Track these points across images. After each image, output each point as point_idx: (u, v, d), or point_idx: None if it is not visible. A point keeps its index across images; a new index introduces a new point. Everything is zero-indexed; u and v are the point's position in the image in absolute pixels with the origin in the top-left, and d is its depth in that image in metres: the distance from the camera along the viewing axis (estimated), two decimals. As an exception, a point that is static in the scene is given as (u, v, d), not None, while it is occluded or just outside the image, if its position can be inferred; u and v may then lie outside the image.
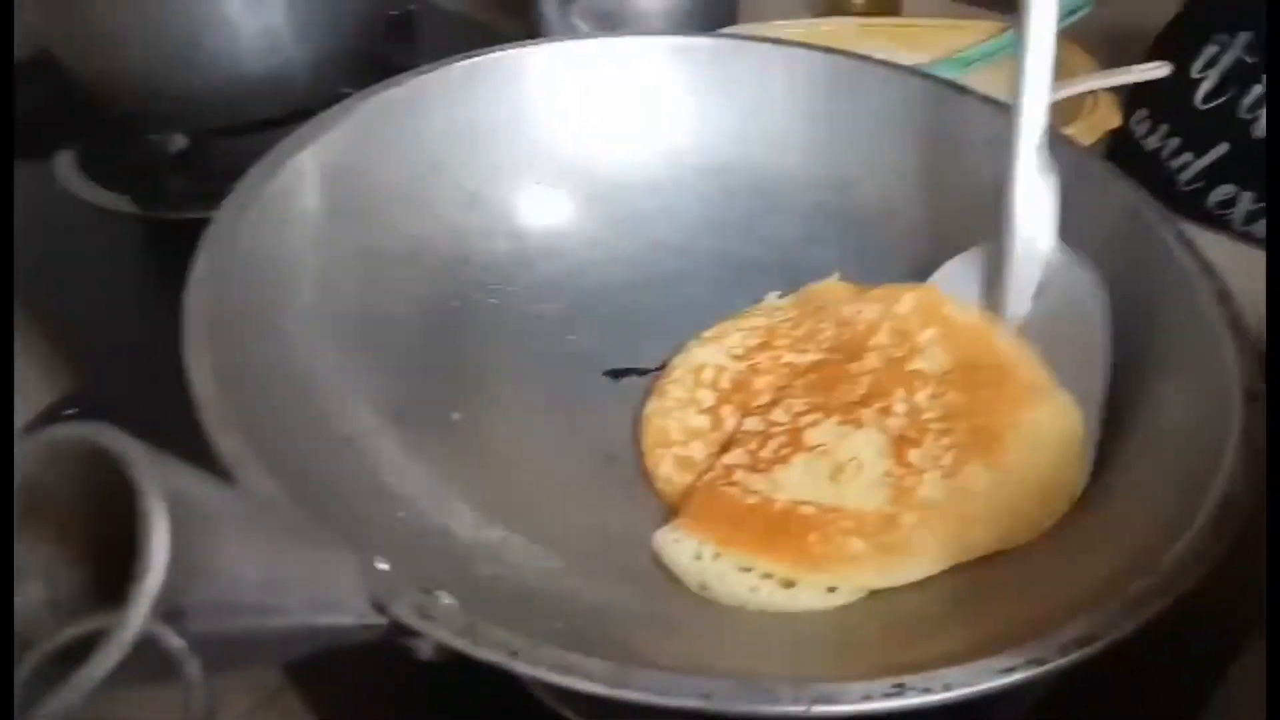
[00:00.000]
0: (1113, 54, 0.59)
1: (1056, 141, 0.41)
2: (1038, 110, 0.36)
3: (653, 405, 0.38)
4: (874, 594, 0.30)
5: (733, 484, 0.34)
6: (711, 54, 0.46)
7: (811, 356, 0.38)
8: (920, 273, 0.42)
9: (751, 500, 0.33)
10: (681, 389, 0.38)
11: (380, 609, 0.21)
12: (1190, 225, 0.36)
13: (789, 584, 0.30)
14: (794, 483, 0.33)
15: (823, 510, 0.32)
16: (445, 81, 0.43)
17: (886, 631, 0.29)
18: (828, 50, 0.46)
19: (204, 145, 0.59)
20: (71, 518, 0.17)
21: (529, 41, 0.46)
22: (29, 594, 0.16)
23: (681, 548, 0.32)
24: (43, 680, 0.15)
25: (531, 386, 0.39)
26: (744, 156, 0.46)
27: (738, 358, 0.39)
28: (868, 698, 0.21)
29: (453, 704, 0.32)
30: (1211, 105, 0.53)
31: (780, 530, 0.31)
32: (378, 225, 0.40)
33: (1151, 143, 0.57)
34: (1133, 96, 0.59)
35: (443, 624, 0.21)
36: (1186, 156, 0.55)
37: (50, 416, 0.44)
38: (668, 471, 0.36)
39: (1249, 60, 0.51)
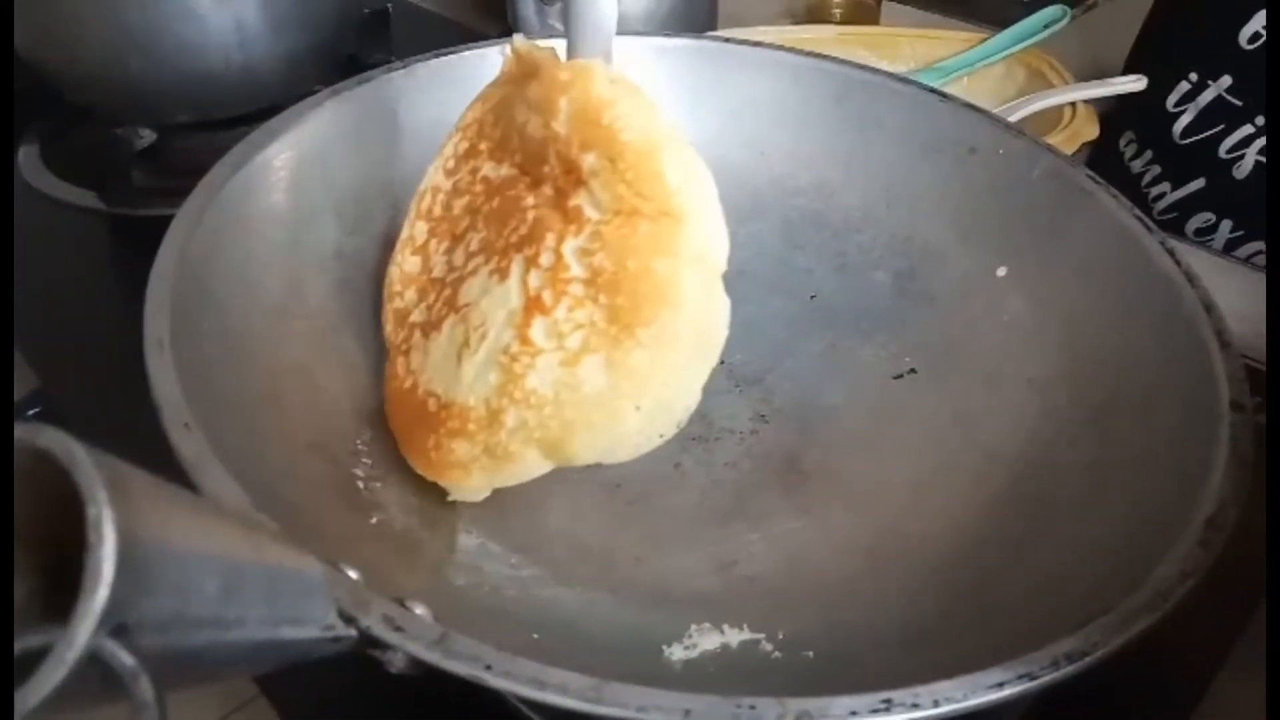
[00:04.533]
0: (1090, 68, 0.59)
1: (1040, 149, 0.41)
2: None
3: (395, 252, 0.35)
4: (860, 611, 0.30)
5: (406, 353, 0.32)
6: (693, 55, 0.46)
7: (505, 172, 0.32)
8: (901, 275, 0.42)
9: (408, 384, 0.31)
10: (408, 225, 0.34)
11: (349, 620, 0.20)
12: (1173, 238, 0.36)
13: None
14: (435, 358, 0.30)
15: (441, 406, 0.29)
16: (417, 79, 0.42)
17: (874, 648, 0.28)
18: (811, 54, 0.46)
19: (172, 140, 0.58)
20: (26, 525, 0.16)
21: (503, 39, 0.45)
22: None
23: None
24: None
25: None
26: (724, 160, 0.45)
27: (449, 172, 0.34)
28: (854, 713, 0.21)
29: (428, 711, 0.31)
30: (1191, 141, 0.53)
31: (415, 427, 0.30)
32: (347, 225, 0.38)
33: (1136, 167, 0.57)
34: (1119, 117, 0.59)
35: (414, 636, 0.21)
36: (1164, 186, 0.55)
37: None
38: (389, 329, 0.33)
39: (1234, 102, 0.51)
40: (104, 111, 0.57)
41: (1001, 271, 0.40)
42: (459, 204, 0.33)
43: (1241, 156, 0.51)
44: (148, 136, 0.57)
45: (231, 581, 0.17)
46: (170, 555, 0.15)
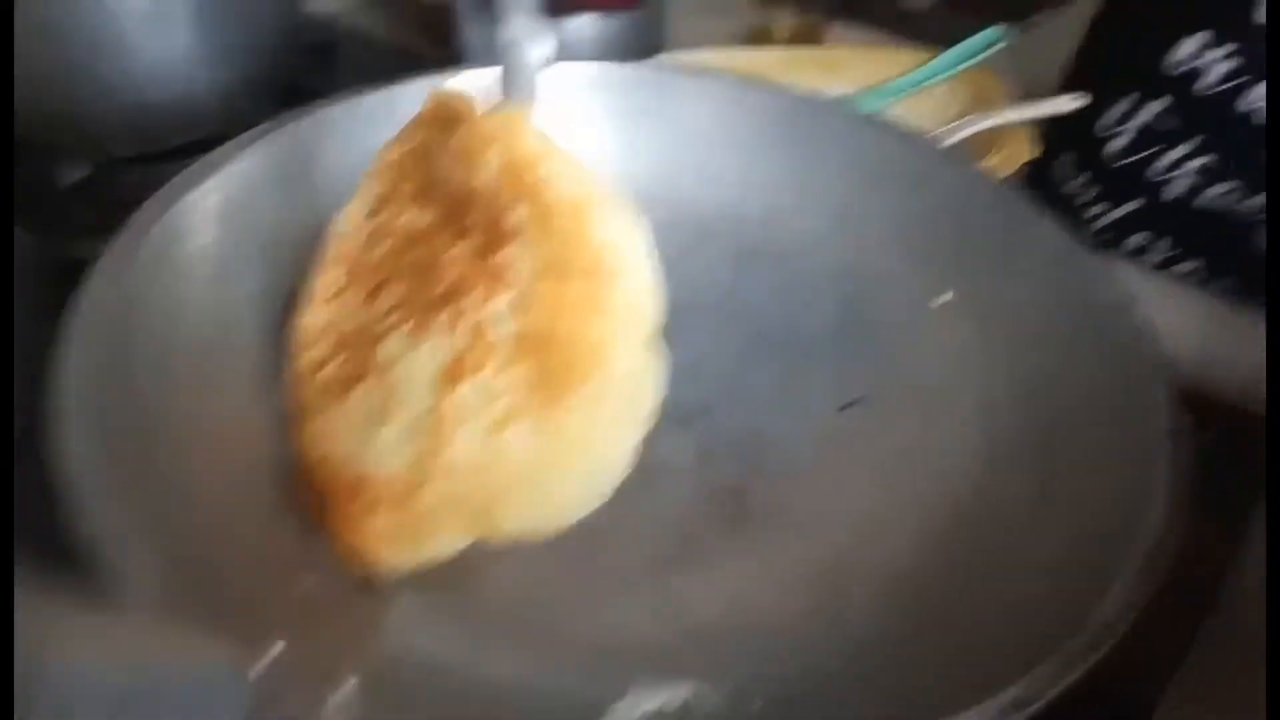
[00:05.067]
0: (1032, 88, 0.60)
1: (979, 175, 0.41)
2: None
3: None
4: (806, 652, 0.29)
5: (315, 415, 0.29)
6: (633, 83, 0.46)
7: (426, 220, 0.30)
8: (847, 302, 0.42)
9: (317, 452, 0.28)
10: (319, 273, 0.32)
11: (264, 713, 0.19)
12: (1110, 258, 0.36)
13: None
14: (347, 423, 0.28)
15: (356, 477, 0.27)
16: (356, 113, 0.41)
17: (821, 690, 0.27)
18: (754, 81, 0.46)
19: (109, 174, 0.56)
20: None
21: (443, 70, 0.44)
22: None
23: None
24: None
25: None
26: (669, 190, 0.45)
27: (371, 214, 0.32)
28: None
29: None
30: (1127, 162, 0.54)
31: (328, 498, 0.28)
32: (282, 267, 0.37)
33: (1073, 187, 0.58)
34: (1057, 138, 0.59)
35: (334, 721, 0.20)
36: (1102, 206, 0.56)
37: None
38: (296, 387, 0.30)
39: (1169, 124, 0.52)
40: (34, 145, 0.56)
41: (949, 296, 0.40)
42: (375, 253, 0.31)
43: (1176, 177, 0.52)
44: (82, 169, 0.56)
45: (137, 686, 0.16)
46: (52, 674, 0.14)
